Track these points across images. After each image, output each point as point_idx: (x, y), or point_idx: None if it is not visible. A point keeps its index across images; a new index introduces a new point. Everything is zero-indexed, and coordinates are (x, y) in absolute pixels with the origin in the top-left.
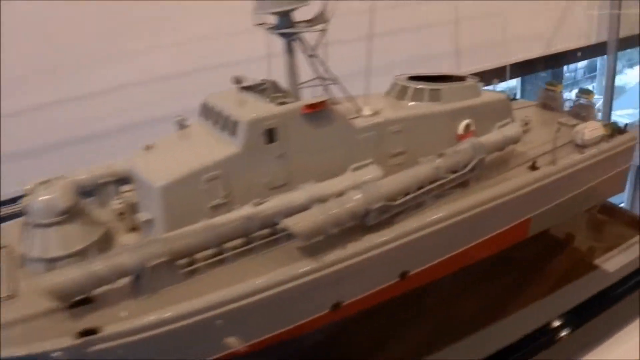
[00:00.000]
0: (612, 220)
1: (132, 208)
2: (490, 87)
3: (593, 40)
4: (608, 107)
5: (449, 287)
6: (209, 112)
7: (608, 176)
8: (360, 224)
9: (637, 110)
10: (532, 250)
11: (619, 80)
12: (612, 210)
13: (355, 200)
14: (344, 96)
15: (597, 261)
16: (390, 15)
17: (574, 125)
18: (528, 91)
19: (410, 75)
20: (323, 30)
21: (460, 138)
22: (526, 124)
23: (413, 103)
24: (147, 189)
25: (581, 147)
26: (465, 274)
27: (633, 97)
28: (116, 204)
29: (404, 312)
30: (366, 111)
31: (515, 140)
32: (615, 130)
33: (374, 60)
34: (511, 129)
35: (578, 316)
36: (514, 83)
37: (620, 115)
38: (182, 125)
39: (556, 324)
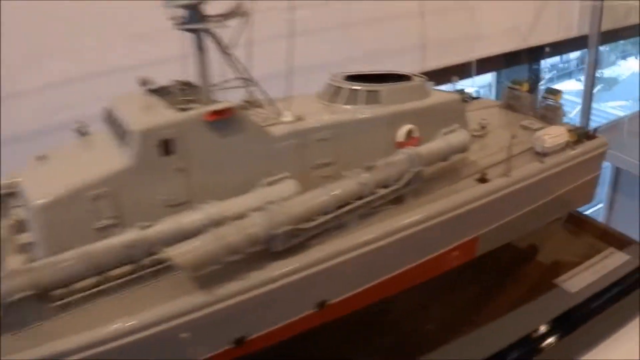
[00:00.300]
0: (581, 232)
1: (21, 226)
2: (449, 86)
3: (574, 33)
4: (587, 105)
5: (406, 301)
6: (110, 119)
7: (573, 186)
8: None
9: (629, 102)
10: (492, 266)
11: (612, 72)
12: (582, 222)
13: (256, 224)
14: (265, 99)
15: (558, 279)
16: (353, 7)
17: (538, 129)
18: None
19: (348, 74)
20: (243, 25)
21: (401, 146)
22: (483, 127)
23: (348, 106)
24: (27, 207)
25: (542, 155)
26: (426, 287)
27: (626, 88)
28: (11, 219)
29: (361, 328)
30: (287, 117)
31: (461, 149)
32: (583, 135)
33: (328, 57)
34: (457, 137)
35: (536, 341)
36: (489, 79)
37: (613, 107)
38: (81, 132)
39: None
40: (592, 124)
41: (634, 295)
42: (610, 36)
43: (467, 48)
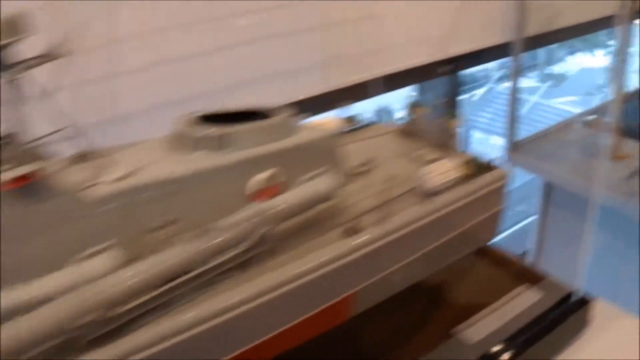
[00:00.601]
0: (491, 268)
1: None
2: (339, 112)
3: (497, 40)
4: (511, 119)
5: None
6: None
7: (470, 225)
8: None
9: (579, 98)
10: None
11: (560, 68)
12: (492, 256)
13: (51, 314)
14: (93, 151)
15: (458, 328)
16: (237, 25)
17: (431, 161)
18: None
19: (202, 113)
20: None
21: (258, 197)
22: (367, 162)
23: (194, 154)
24: None
25: (429, 194)
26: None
27: (575, 84)
28: None
29: None
30: (117, 172)
31: (324, 198)
32: (480, 167)
33: (209, 84)
34: (320, 183)
35: None
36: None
37: (563, 103)
38: None
39: None
40: (540, 125)
41: (547, 341)
42: (537, 41)
43: (377, 62)
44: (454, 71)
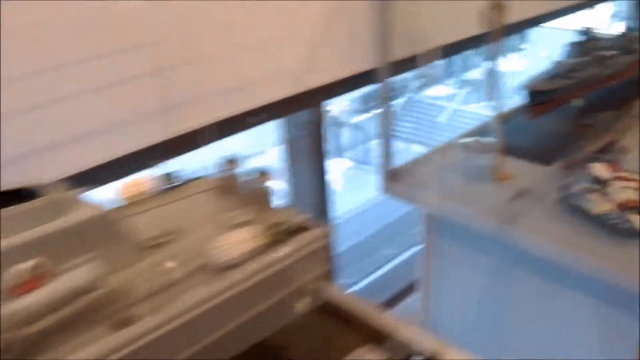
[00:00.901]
0: (338, 328)
1: None
2: (152, 171)
3: (361, 67)
4: (384, 153)
5: None
6: None
7: (279, 298)
8: None
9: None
10: None
11: (476, 74)
12: (338, 313)
13: None
14: None
15: None
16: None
17: (240, 225)
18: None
19: None
20: None
21: (20, 289)
22: (163, 235)
23: None
24: None
25: (225, 269)
26: None
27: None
28: None
29: None
30: None
31: (87, 289)
32: (293, 229)
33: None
34: (81, 273)
35: None
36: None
37: (482, 107)
38: None
39: None
40: (461, 131)
41: None
42: (405, 65)
43: (210, 107)
44: (309, 106)
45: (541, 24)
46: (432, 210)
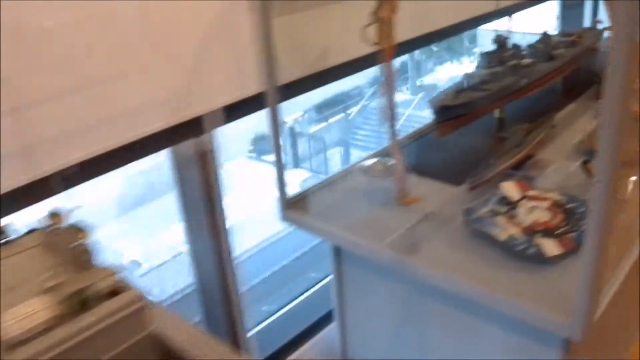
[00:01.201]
0: None
1: None
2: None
3: (253, 90)
4: (280, 179)
5: None
6: None
7: None
8: None
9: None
10: None
11: (431, 79)
12: None
13: None
14: None
15: None
16: None
17: (52, 289)
18: None
19: None
20: None
21: None
22: None
23: None
24: None
25: (13, 346)
26: None
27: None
28: None
29: None
30: None
31: None
32: (97, 296)
33: None
34: None
35: None
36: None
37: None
38: None
39: None
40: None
41: None
42: (296, 88)
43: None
44: (192, 136)
45: (481, 27)
46: (332, 241)
